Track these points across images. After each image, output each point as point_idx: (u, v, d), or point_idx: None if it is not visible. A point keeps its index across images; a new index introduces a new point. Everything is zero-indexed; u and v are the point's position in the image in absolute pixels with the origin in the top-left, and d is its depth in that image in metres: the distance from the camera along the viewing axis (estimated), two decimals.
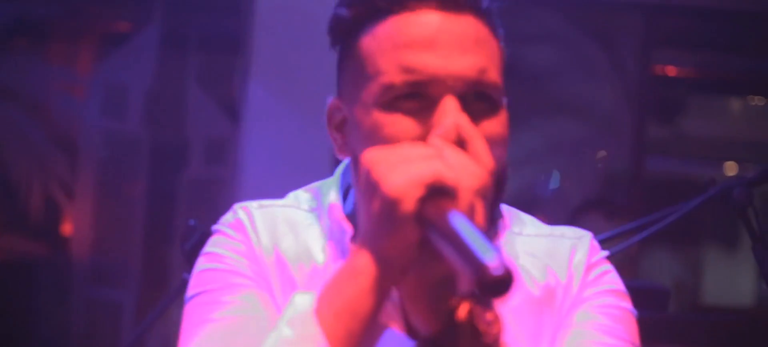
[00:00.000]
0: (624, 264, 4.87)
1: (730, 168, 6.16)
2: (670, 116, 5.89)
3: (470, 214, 1.19)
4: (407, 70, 1.29)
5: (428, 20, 1.31)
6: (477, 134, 1.28)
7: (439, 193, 1.18)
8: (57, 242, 5.66)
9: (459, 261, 1.12)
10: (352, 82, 1.37)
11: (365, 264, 1.22)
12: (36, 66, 5.72)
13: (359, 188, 1.26)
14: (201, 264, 1.44)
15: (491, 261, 1.07)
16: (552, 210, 5.35)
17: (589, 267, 1.43)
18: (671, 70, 5.89)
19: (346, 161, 1.45)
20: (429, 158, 1.21)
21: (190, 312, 1.40)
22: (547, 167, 5.49)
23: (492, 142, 1.29)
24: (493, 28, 1.37)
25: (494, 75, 1.33)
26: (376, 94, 1.31)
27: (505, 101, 1.36)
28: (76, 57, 5.84)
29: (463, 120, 1.27)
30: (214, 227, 1.47)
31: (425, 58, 1.29)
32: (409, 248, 1.20)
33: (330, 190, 1.46)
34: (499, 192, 1.35)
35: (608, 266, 1.46)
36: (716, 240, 6.17)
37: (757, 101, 6.18)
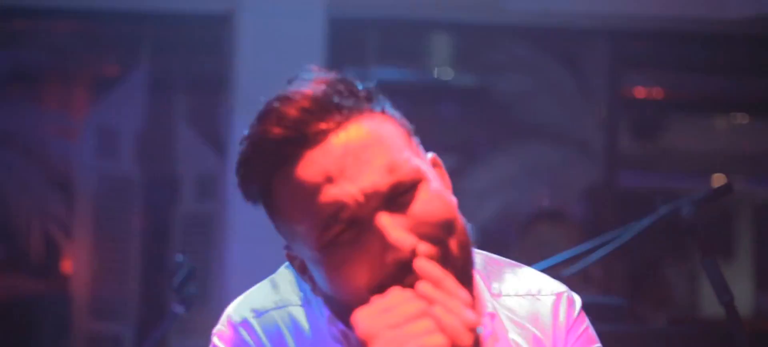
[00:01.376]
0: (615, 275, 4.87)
1: (718, 180, 6.16)
2: (645, 134, 5.98)
3: None
4: (329, 213, 1.25)
5: (322, 154, 1.27)
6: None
7: None
8: (57, 280, 5.64)
9: None
10: (289, 236, 1.33)
11: None
12: (31, 112, 5.73)
13: None
14: None
15: None
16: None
17: (573, 326, 1.45)
18: (639, 92, 5.97)
19: None
20: (423, 333, 1.18)
21: None
22: (524, 190, 5.51)
23: (430, 222, 1.27)
24: (383, 110, 1.33)
25: (405, 166, 1.28)
26: (314, 242, 1.27)
27: (422, 171, 1.31)
28: (69, 102, 5.86)
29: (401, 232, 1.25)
30: (214, 342, 1.39)
31: (336, 193, 1.25)
32: None
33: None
34: (469, 259, 1.33)
35: (585, 319, 1.48)
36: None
37: (739, 118, 6.28)
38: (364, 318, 1.20)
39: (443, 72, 5.71)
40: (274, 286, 1.41)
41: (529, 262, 1.55)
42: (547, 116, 5.53)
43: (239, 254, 4.83)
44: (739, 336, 2.74)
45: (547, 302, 1.45)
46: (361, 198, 1.25)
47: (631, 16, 5.26)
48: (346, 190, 1.25)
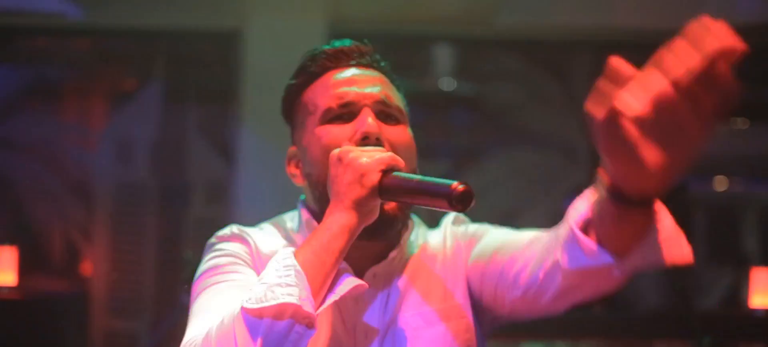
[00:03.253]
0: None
1: (720, 183, 6.36)
2: None
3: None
4: (338, 97, 1.75)
5: (349, 71, 1.79)
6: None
7: (390, 170, 1.59)
8: (77, 280, 5.78)
9: (432, 197, 1.47)
10: (300, 125, 1.81)
11: (338, 216, 1.58)
12: (53, 123, 5.88)
13: (331, 172, 1.64)
14: (208, 262, 1.78)
15: (454, 183, 1.42)
16: None
17: (458, 225, 1.90)
18: None
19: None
20: (381, 152, 1.62)
21: (200, 288, 1.72)
22: (513, 191, 5.63)
23: (396, 145, 1.73)
24: (393, 82, 1.83)
25: (395, 100, 1.78)
26: (318, 118, 1.76)
27: (407, 123, 1.78)
28: (87, 114, 5.98)
29: (375, 123, 1.73)
30: (215, 240, 1.82)
31: (348, 89, 1.76)
32: (369, 209, 1.59)
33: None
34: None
35: (465, 220, 1.92)
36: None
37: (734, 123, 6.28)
38: (343, 148, 1.64)
39: (442, 83, 5.84)
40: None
41: None
42: (537, 123, 5.67)
43: None
44: (692, 323, 2.96)
45: (445, 224, 1.91)
46: (359, 96, 1.76)
47: (614, 27, 5.40)
48: (355, 89, 1.77)
